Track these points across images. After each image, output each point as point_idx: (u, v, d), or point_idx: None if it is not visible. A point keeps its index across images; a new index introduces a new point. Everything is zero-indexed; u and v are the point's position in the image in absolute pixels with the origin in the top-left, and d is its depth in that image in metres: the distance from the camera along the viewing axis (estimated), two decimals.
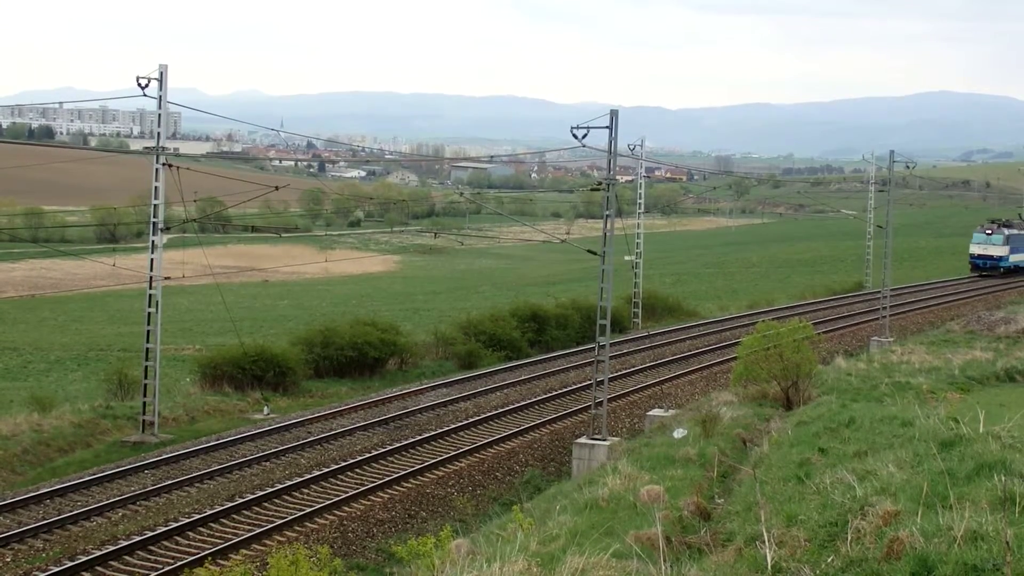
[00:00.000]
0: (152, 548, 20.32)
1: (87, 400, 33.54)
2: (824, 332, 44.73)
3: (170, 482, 24.24)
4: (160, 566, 19.28)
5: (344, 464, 26.22)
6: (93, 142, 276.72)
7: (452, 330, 46.50)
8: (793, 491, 13.54)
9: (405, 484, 25.33)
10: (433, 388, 36.53)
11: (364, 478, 25.57)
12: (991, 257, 76.61)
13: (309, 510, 22.70)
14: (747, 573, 10.41)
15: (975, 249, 78.00)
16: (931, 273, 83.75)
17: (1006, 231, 77.17)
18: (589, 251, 30.20)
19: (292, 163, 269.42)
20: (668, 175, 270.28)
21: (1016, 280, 74.00)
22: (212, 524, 21.79)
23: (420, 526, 22.46)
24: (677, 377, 39.15)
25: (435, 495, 25.16)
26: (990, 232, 77.25)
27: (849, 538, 10.22)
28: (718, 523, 14.28)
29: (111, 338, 54.30)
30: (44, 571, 18.98)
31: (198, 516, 21.97)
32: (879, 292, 52.71)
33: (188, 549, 20.35)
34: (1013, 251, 77.22)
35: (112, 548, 20.01)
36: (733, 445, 21.56)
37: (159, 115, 30.02)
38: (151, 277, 30.63)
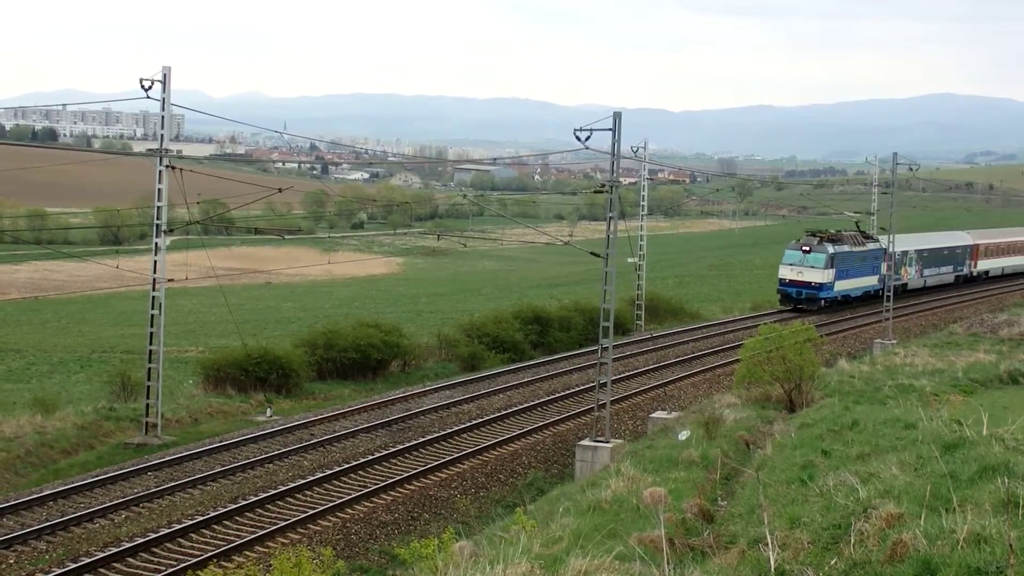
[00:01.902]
0: (155, 550, 20.33)
1: (90, 402, 33.57)
2: (827, 334, 44.67)
3: (173, 484, 24.25)
4: (163, 568, 19.29)
5: (347, 466, 26.23)
6: (96, 144, 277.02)
7: (455, 332, 46.51)
8: (796, 493, 13.54)
9: (408, 486, 25.34)
10: (436, 390, 36.51)
11: (367, 480, 25.58)
12: (808, 284, 55.32)
13: (312, 512, 22.70)
14: (750, 575, 10.41)
15: (786, 273, 56.60)
16: None
17: (830, 248, 55.81)
18: (592, 253, 30.22)
19: (295, 165, 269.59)
20: (671, 177, 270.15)
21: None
22: (215, 526, 21.80)
23: (423, 528, 22.48)
24: (680, 379, 39.13)
25: (438, 497, 25.16)
26: (807, 249, 55.92)
27: (852, 540, 10.23)
28: (721, 525, 14.27)
29: (114, 340, 54.37)
30: (47, 573, 18.99)
31: (201, 518, 21.98)
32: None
33: (191, 551, 20.36)
34: (840, 275, 56.49)
35: (115, 550, 20.02)
36: (736, 447, 21.56)
37: (162, 117, 30.05)
38: (154, 279, 30.65)
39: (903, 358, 36.79)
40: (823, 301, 55.77)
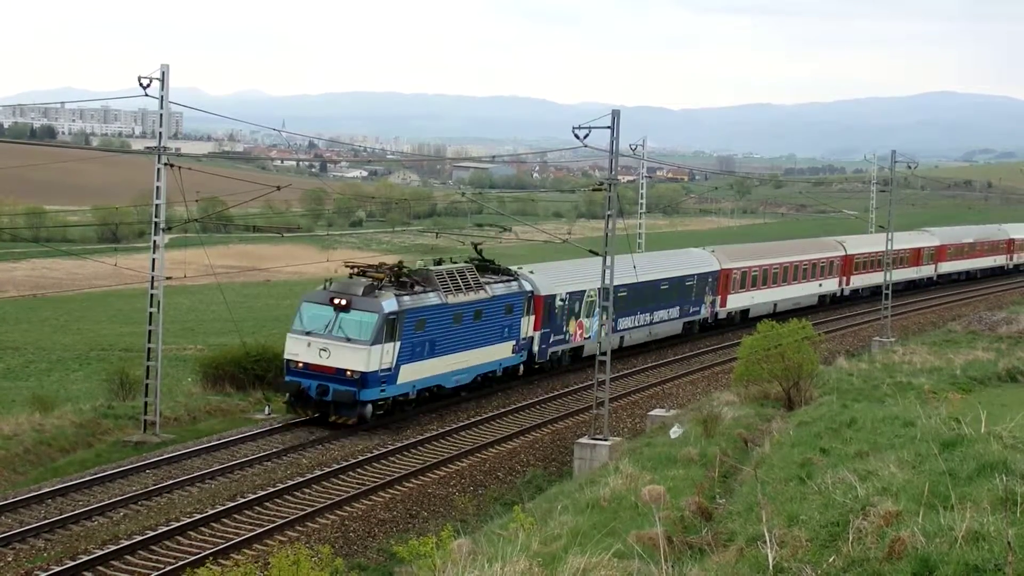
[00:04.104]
0: (153, 548, 20.33)
1: (88, 400, 33.53)
2: (825, 332, 44.68)
3: (171, 482, 24.24)
4: (161, 566, 19.29)
5: (345, 464, 26.25)
6: (95, 142, 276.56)
7: None
8: (794, 491, 13.55)
9: (407, 484, 25.36)
10: None
11: (365, 478, 25.60)
12: (340, 375, 28.53)
13: (311, 510, 22.73)
14: (748, 573, 10.42)
15: (298, 349, 29.58)
16: None
17: (392, 300, 29.18)
18: (591, 251, 30.23)
19: (294, 163, 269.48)
20: (670, 175, 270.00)
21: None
22: (213, 524, 21.81)
23: (421, 526, 22.48)
24: (679, 377, 39.18)
25: (436, 495, 25.18)
26: (343, 303, 28.89)
27: (850, 538, 10.24)
28: (719, 523, 14.28)
29: (113, 338, 54.36)
30: (46, 571, 18.99)
31: (199, 516, 21.98)
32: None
33: (189, 549, 20.37)
34: (416, 353, 29.88)
35: (114, 548, 20.02)
36: (734, 445, 21.58)
37: (161, 115, 30.02)
38: (153, 277, 30.62)
39: (901, 356, 36.90)
40: (370, 405, 29.07)
